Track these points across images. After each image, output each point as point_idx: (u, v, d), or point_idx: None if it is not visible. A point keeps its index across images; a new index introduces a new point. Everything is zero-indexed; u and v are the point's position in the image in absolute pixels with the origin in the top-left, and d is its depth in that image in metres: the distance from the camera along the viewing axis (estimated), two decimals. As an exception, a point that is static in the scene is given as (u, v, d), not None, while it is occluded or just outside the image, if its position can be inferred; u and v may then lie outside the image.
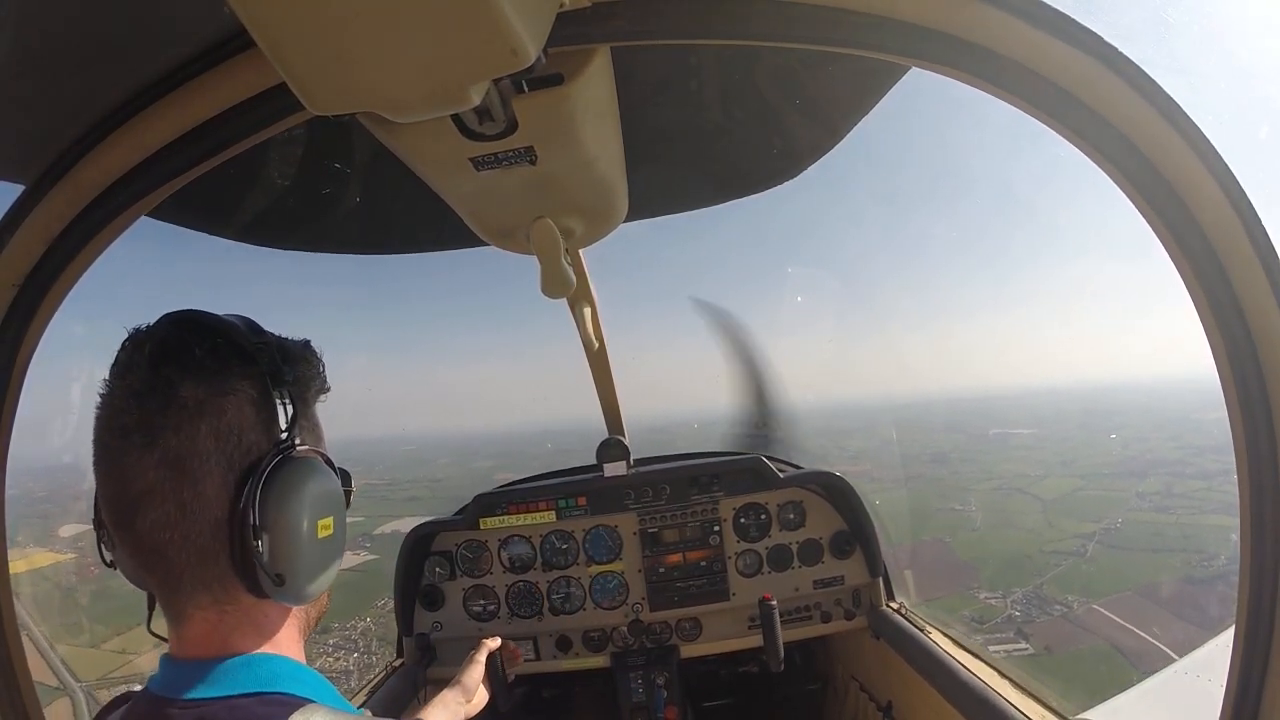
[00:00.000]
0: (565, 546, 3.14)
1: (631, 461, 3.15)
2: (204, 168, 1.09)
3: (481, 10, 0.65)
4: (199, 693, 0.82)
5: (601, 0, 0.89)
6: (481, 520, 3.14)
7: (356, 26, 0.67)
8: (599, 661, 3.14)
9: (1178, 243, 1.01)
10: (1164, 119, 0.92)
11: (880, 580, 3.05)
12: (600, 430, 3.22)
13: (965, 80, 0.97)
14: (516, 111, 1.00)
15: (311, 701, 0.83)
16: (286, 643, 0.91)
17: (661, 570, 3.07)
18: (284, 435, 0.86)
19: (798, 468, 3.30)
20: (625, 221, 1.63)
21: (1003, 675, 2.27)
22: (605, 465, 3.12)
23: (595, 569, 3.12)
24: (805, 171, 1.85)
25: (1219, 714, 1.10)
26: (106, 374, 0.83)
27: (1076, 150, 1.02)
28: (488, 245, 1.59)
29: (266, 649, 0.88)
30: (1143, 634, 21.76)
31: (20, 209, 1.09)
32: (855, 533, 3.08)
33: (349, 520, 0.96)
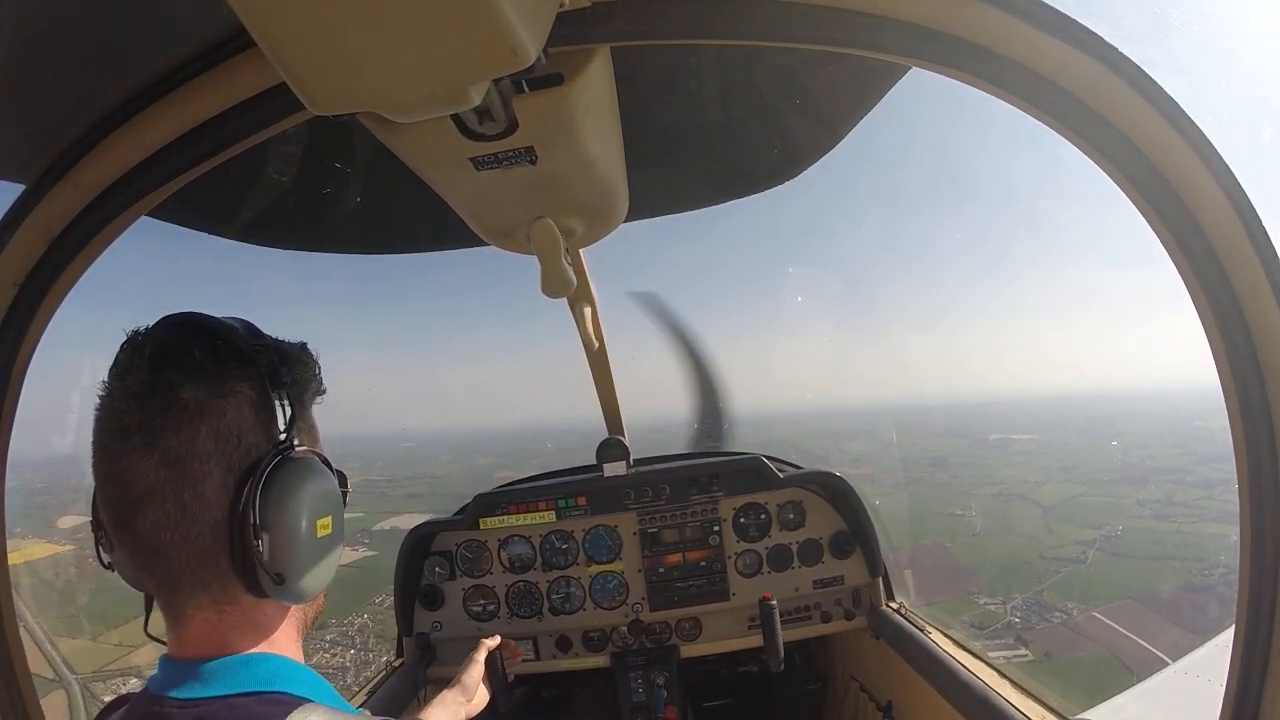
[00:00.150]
0: (565, 546, 3.14)
1: (631, 461, 3.15)
2: (204, 168, 1.09)
3: (481, 10, 0.65)
4: (198, 692, 0.83)
5: (601, 0, 0.89)
6: (481, 520, 3.14)
7: (357, 26, 0.67)
8: (599, 661, 3.14)
9: (1178, 243, 1.01)
10: (1164, 119, 0.92)
11: (880, 580, 3.05)
12: (600, 429, 3.22)
13: (966, 81, 0.97)
14: (517, 111, 1.00)
15: (309, 701, 0.84)
16: (285, 642, 0.92)
17: (661, 570, 3.07)
18: (283, 436, 0.87)
19: (798, 468, 3.30)
20: (625, 221, 1.63)
21: (1002, 675, 2.27)
22: (605, 465, 3.12)
23: (595, 569, 3.12)
24: (805, 171, 1.85)
25: (1219, 714, 1.10)
26: (105, 375, 0.83)
27: (1078, 151, 1.02)
28: (488, 245, 1.59)
29: (265, 648, 0.89)
30: (1143, 642, 21.75)
31: (20, 209, 1.09)
32: (855, 533, 3.08)
33: (347, 516, 0.97)
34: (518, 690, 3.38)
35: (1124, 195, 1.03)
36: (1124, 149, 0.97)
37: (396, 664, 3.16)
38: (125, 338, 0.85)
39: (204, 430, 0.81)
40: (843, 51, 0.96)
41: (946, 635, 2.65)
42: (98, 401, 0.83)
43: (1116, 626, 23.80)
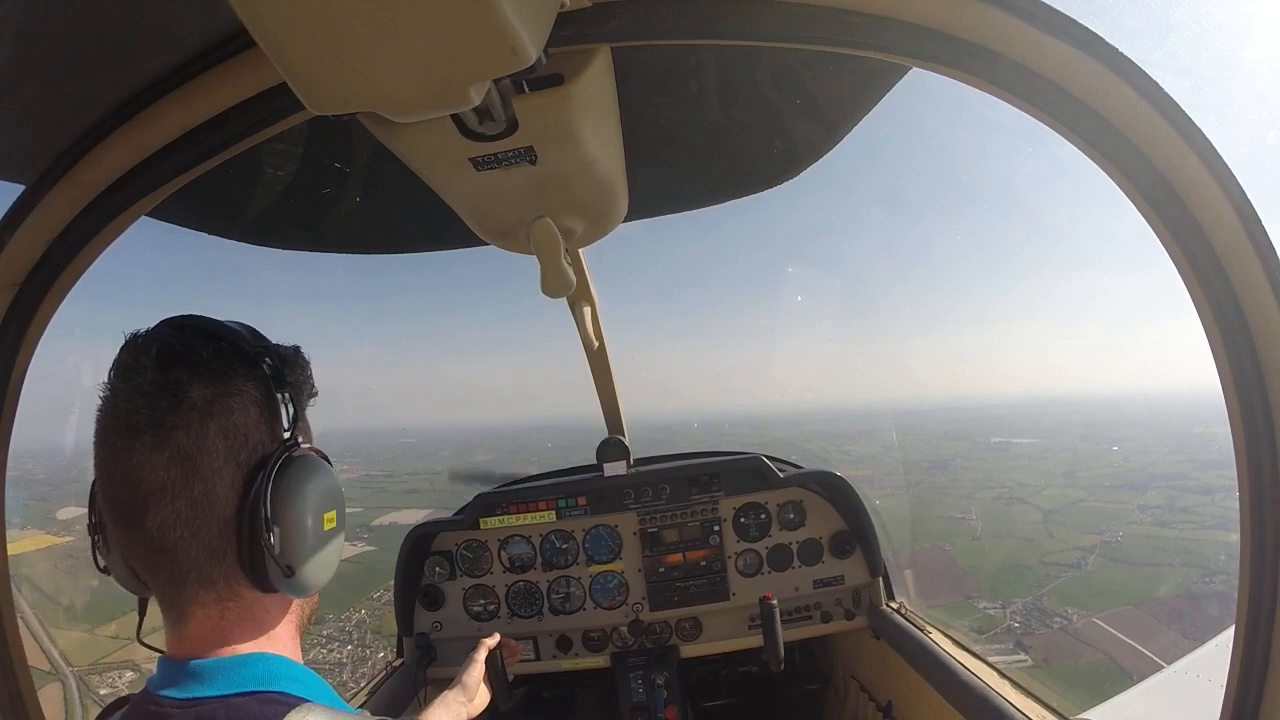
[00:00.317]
0: (565, 546, 3.14)
1: (631, 461, 3.15)
2: (204, 168, 1.09)
3: (481, 10, 0.66)
4: (196, 691, 0.83)
5: (601, 0, 0.89)
6: (481, 520, 3.14)
7: (357, 26, 0.67)
8: (599, 661, 3.14)
9: (1178, 243, 1.01)
10: (1165, 120, 0.92)
11: (880, 580, 3.05)
12: (601, 427, 3.22)
13: (966, 81, 0.97)
14: (517, 111, 1.00)
15: (308, 701, 0.84)
16: (284, 638, 0.94)
17: (661, 570, 3.07)
18: (287, 435, 0.90)
19: (798, 467, 3.30)
20: (625, 221, 1.63)
21: (1003, 675, 2.26)
22: (605, 465, 3.12)
23: (595, 569, 3.12)
24: (805, 171, 1.85)
25: (1219, 714, 1.10)
26: (106, 375, 0.84)
27: (1078, 152, 1.02)
28: (488, 245, 1.59)
29: (265, 644, 0.90)
30: (1143, 649, 21.73)
31: (20, 209, 1.10)
32: (855, 532, 3.08)
33: (347, 511, 1.00)
34: (518, 690, 3.38)
35: (1124, 196, 1.03)
36: (1124, 149, 0.97)
37: (396, 664, 3.16)
38: (125, 338, 0.86)
39: (213, 428, 0.83)
40: (843, 51, 0.96)
41: (946, 635, 2.65)
42: (101, 401, 0.83)
43: (1117, 633, 23.78)
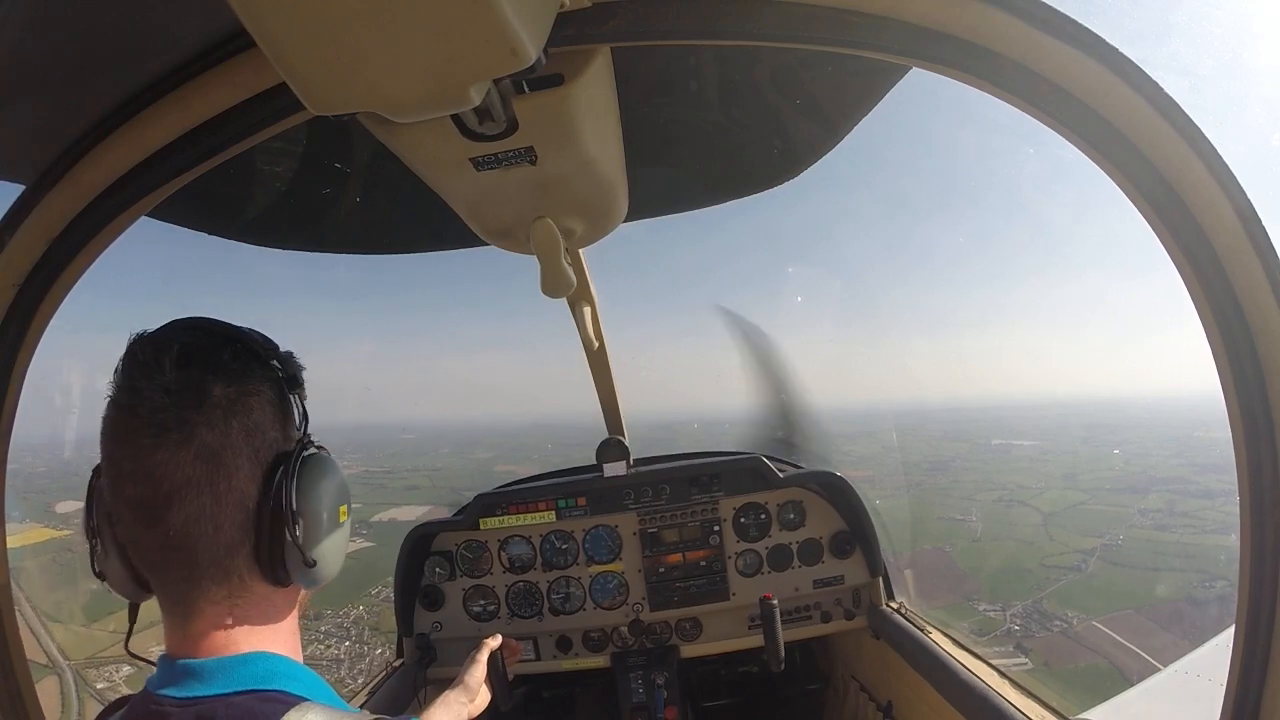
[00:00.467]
0: (565, 546, 3.14)
1: (631, 461, 3.15)
2: (204, 168, 1.10)
3: (481, 10, 0.66)
4: (196, 690, 0.83)
5: (601, 0, 0.89)
6: (481, 520, 3.14)
7: (357, 26, 0.67)
8: (599, 662, 3.13)
9: (1178, 243, 1.01)
10: (1165, 120, 0.92)
11: (880, 580, 3.05)
12: (601, 426, 3.22)
13: (966, 81, 0.97)
14: (517, 112, 1.00)
15: (307, 700, 0.84)
16: (287, 633, 0.96)
17: (661, 570, 3.07)
18: (301, 433, 0.95)
19: (798, 467, 3.30)
20: (625, 221, 1.63)
21: (1003, 675, 2.26)
22: (605, 465, 3.12)
23: (595, 569, 3.12)
24: (805, 172, 1.85)
25: (1219, 714, 1.10)
26: (120, 375, 0.84)
27: (1079, 153, 1.02)
28: (488, 245, 1.59)
29: (270, 636, 0.91)
30: (1143, 653, 21.71)
31: (20, 209, 1.10)
32: (855, 532, 3.07)
33: None
34: (518, 690, 3.38)
35: (1124, 196, 1.03)
36: (1124, 149, 0.97)
37: (396, 664, 3.16)
38: (132, 338, 0.87)
39: (235, 425, 0.85)
40: (843, 51, 0.96)
41: (946, 635, 2.65)
42: (115, 400, 0.83)
43: (1116, 636, 23.75)
